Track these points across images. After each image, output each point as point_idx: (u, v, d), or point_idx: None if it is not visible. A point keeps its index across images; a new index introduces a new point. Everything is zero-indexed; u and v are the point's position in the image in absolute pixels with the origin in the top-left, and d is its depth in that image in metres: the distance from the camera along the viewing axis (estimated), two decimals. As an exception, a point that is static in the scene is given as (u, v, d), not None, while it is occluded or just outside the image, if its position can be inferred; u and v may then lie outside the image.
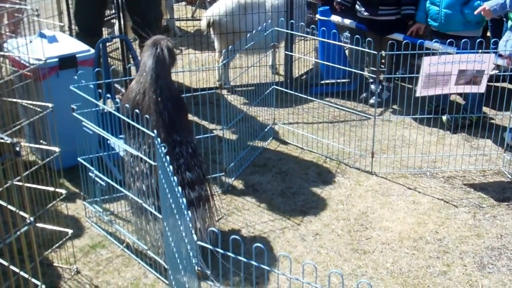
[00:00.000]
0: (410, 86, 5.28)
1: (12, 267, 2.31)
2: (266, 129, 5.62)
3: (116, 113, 3.72)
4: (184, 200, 2.63)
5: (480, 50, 4.75)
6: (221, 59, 6.34)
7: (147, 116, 3.50)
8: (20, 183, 2.27)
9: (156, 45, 3.88)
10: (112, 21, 7.76)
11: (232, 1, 6.39)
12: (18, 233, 2.18)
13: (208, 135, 4.91)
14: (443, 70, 4.74)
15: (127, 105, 3.71)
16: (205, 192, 3.90)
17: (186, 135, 3.86)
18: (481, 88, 4.88)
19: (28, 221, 2.22)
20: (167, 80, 3.88)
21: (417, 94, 4.94)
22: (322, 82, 6.49)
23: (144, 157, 3.46)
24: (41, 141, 4.18)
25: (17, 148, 1.92)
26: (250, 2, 6.40)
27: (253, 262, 2.39)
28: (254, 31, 5.17)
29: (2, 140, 2.04)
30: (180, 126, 3.83)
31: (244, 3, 6.37)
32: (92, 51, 4.86)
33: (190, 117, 5.67)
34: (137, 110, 3.59)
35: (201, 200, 3.84)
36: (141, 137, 3.63)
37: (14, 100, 4.03)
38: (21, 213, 2.24)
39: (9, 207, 2.29)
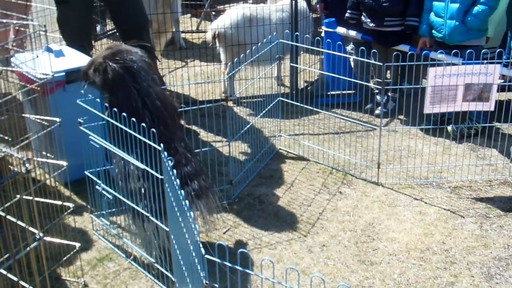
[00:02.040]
0: (416, 96, 5.31)
1: (22, 282, 2.32)
2: (272, 141, 5.63)
3: (122, 126, 3.73)
4: (192, 213, 2.64)
5: (485, 61, 4.77)
6: (227, 71, 6.37)
7: (143, 124, 3.50)
8: (29, 197, 2.28)
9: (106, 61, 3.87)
10: (117, 34, 7.81)
11: (237, 13, 6.42)
12: (28, 249, 2.19)
13: (214, 147, 4.92)
14: (449, 82, 4.75)
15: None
16: (204, 182, 3.91)
17: (176, 130, 3.88)
18: (490, 106, 4.88)
19: (37, 236, 2.23)
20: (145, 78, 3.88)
21: (425, 111, 4.95)
22: (328, 93, 6.50)
23: (150, 170, 3.47)
24: (48, 155, 4.20)
25: (28, 166, 1.94)
26: (255, 14, 6.44)
27: (261, 276, 2.40)
28: (259, 44, 5.19)
29: (13, 156, 2.06)
30: (168, 122, 3.85)
31: (250, 16, 6.41)
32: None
33: (196, 129, 5.72)
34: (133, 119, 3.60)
35: (203, 190, 3.86)
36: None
37: (23, 115, 4.05)
38: (31, 228, 2.25)
39: (19, 222, 2.30)
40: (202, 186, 3.86)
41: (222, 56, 6.64)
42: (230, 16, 6.45)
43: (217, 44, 6.58)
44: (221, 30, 6.40)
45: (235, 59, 4.98)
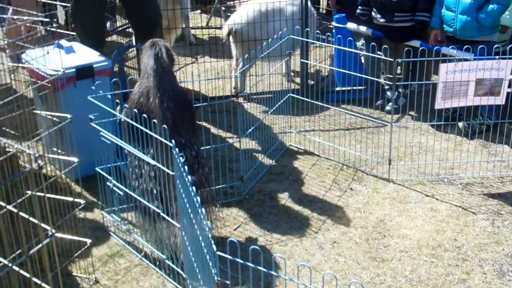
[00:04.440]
0: (427, 92, 5.28)
1: (34, 279, 2.33)
2: (282, 137, 5.62)
3: (130, 120, 3.73)
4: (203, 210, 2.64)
5: (497, 56, 4.73)
6: (239, 67, 6.35)
7: (155, 120, 3.52)
8: (41, 194, 2.29)
9: (155, 45, 3.92)
10: (127, 30, 7.82)
11: (253, 9, 6.37)
12: (40, 245, 2.19)
13: (225, 144, 4.92)
14: (460, 78, 4.73)
15: (135, 110, 3.72)
16: (207, 193, 3.90)
17: (190, 137, 3.86)
18: (502, 99, 4.86)
19: (50, 233, 2.24)
20: (170, 78, 3.89)
21: (436, 106, 4.93)
22: (338, 89, 6.48)
23: (161, 167, 3.47)
24: (59, 151, 4.20)
25: (40, 162, 1.94)
26: (272, 9, 6.40)
27: (273, 272, 2.40)
28: (269, 40, 5.17)
29: (24, 152, 2.06)
30: (184, 127, 3.83)
31: (266, 11, 6.37)
32: (109, 60, 4.89)
33: (207, 125, 5.72)
34: (145, 115, 3.59)
35: (204, 202, 3.83)
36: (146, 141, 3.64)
37: (34, 111, 4.06)
38: (43, 224, 2.26)
39: (31, 219, 2.30)
40: (204, 198, 3.83)
41: (235, 52, 6.59)
42: (245, 12, 6.39)
43: (231, 40, 6.54)
44: (237, 26, 6.35)
45: (246, 55, 4.96)
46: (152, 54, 3.89)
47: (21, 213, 2.29)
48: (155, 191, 3.70)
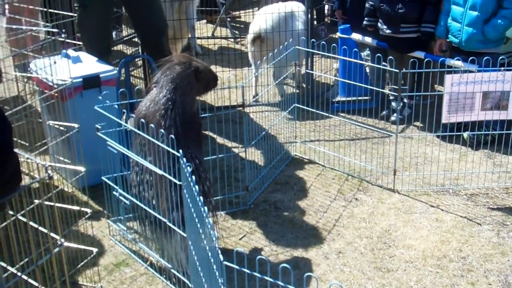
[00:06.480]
0: (432, 103, 5.29)
1: None
2: (287, 147, 5.64)
3: (134, 129, 3.74)
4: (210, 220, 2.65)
5: (502, 68, 4.75)
6: (253, 72, 6.37)
7: (162, 131, 3.53)
8: (51, 203, 2.30)
9: (190, 64, 3.91)
10: (133, 39, 7.85)
11: (273, 15, 6.38)
12: (49, 255, 2.21)
13: (231, 154, 4.93)
14: (466, 90, 4.74)
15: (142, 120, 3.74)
16: (208, 207, 3.89)
17: (192, 151, 3.86)
18: (508, 114, 4.87)
19: (59, 242, 2.25)
20: (185, 98, 3.86)
21: (443, 121, 4.94)
22: (343, 99, 6.49)
23: (169, 176, 3.49)
24: (65, 160, 4.23)
25: (50, 172, 1.96)
26: (284, 13, 6.42)
27: (280, 282, 2.40)
28: (275, 50, 5.19)
29: (32, 161, 2.08)
30: (186, 141, 3.83)
31: (285, 15, 6.40)
32: (116, 71, 4.93)
33: (212, 135, 5.74)
34: (142, 120, 3.61)
35: None
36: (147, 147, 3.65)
37: (41, 120, 4.08)
38: (52, 234, 2.27)
39: (41, 228, 2.32)
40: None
41: (256, 59, 6.55)
42: (270, 18, 6.37)
43: (252, 49, 6.53)
44: (267, 32, 6.36)
45: (264, 58, 4.95)
46: (180, 70, 3.85)
47: (30, 223, 2.31)
48: (154, 202, 3.72)
